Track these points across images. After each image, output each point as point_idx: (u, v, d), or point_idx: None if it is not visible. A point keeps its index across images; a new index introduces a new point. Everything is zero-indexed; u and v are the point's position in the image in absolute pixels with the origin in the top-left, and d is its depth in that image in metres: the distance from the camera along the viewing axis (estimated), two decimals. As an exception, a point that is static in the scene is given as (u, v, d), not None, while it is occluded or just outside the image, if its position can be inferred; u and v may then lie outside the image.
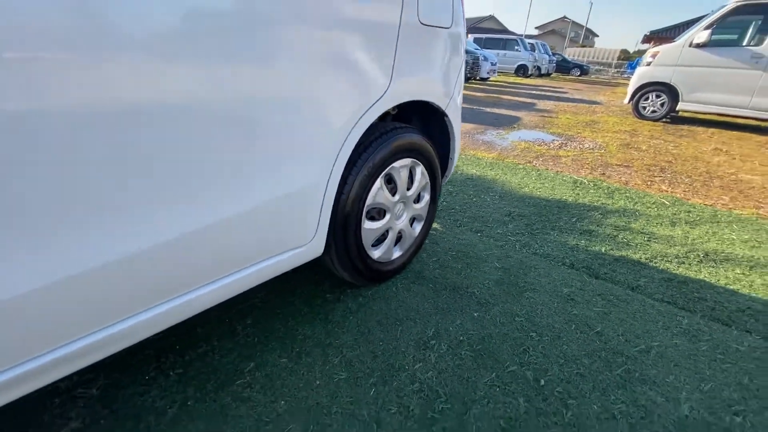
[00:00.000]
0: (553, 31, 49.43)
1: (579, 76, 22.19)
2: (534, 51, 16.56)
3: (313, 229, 1.05)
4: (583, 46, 45.19)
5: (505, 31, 31.94)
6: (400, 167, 1.28)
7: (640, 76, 6.19)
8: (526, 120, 5.49)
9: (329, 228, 1.12)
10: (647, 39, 32.16)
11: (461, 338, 1.18)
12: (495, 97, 8.03)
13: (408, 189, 1.37)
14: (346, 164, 1.07)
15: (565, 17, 51.51)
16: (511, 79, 14.31)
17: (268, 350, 1.09)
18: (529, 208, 2.22)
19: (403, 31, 1.07)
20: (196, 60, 0.68)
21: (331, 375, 1.03)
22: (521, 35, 23.83)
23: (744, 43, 5.51)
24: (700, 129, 5.67)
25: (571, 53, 36.34)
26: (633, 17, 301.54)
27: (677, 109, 5.94)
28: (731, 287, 1.55)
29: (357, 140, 1.06)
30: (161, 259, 0.74)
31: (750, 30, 5.60)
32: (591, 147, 3.98)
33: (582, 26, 51.01)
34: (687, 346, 1.21)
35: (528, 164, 3.16)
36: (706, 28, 5.57)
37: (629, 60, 32.93)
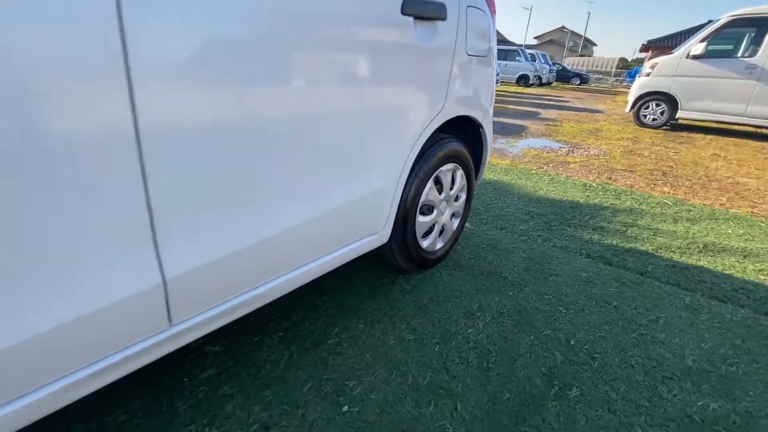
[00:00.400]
0: (551, 41, 50.20)
1: (579, 84, 22.61)
2: (534, 61, 16.97)
3: (384, 220, 1.31)
4: (582, 56, 45.86)
5: (506, 41, 32.56)
6: (446, 171, 1.54)
7: (640, 86, 6.48)
8: (532, 128, 5.77)
9: (394, 220, 1.37)
10: (645, 48, 32.58)
11: (501, 311, 1.43)
12: (500, 107, 8.34)
13: (450, 189, 1.63)
14: (411, 168, 1.33)
15: (563, 27, 52.35)
16: (513, 89, 14.67)
17: (346, 319, 1.34)
18: (546, 208, 2.47)
19: (454, 61, 1.34)
20: (324, 90, 0.94)
21: (402, 337, 1.27)
22: (521, 45, 24.34)
23: (738, 55, 5.81)
24: (699, 136, 5.94)
25: (571, 62, 36.94)
26: (630, 26, 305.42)
27: (677, 117, 6.23)
28: (727, 272, 1.79)
29: (419, 149, 1.32)
30: (294, 236, 0.99)
31: (744, 42, 5.91)
32: (596, 154, 4.24)
33: (580, 36, 51.82)
34: (689, 317, 1.45)
35: (540, 170, 3.42)
36: (702, 40, 5.87)
37: (628, 69, 33.40)
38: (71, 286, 0.65)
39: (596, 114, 8.19)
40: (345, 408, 1.01)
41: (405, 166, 1.28)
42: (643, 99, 6.49)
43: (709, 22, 6.74)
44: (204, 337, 1.22)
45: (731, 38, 5.98)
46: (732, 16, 5.78)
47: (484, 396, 1.07)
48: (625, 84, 24.77)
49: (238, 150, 0.81)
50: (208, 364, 1.13)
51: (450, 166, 1.56)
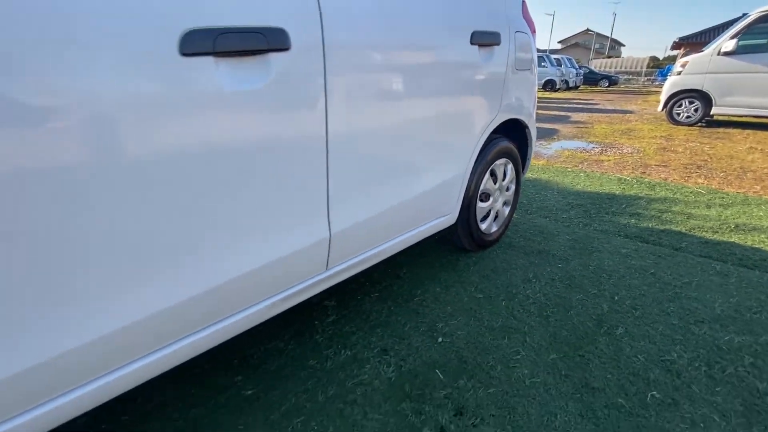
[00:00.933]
0: (576, 44, 49.56)
1: (608, 87, 22.27)
2: (560, 66, 16.99)
3: (454, 204, 1.65)
4: (609, 57, 44.95)
5: (529, 48, 32.45)
6: (499, 165, 1.87)
7: (672, 84, 6.55)
8: (563, 131, 5.97)
9: (461, 204, 1.70)
10: (677, 45, 31.56)
11: (553, 278, 1.72)
12: (529, 113, 8.52)
13: (503, 180, 1.94)
14: (474, 162, 1.67)
15: (588, 30, 51.63)
16: (540, 94, 14.76)
17: (425, 285, 1.67)
18: (584, 200, 2.73)
19: (506, 76, 1.67)
20: (423, 102, 1.30)
21: (473, 296, 1.59)
22: (546, 51, 24.32)
23: (771, 49, 5.81)
24: (736, 131, 5.93)
25: (597, 65, 36.35)
26: (659, 24, 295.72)
27: (711, 113, 6.24)
28: (756, 246, 1.99)
29: (481, 146, 1.65)
30: (403, 209, 1.34)
31: (777, 35, 5.90)
32: (630, 152, 4.42)
33: (606, 37, 50.86)
34: (719, 281, 1.69)
35: (575, 168, 3.66)
36: (733, 37, 5.92)
37: (659, 67, 32.44)
38: (284, 236, 1.01)
39: (627, 114, 8.24)
40: (440, 339, 1.34)
41: (471, 160, 1.62)
42: (676, 97, 6.55)
43: (744, 15, 6.75)
44: (322, 293, 1.58)
45: (763, 33, 5.99)
46: (761, 12, 5.81)
47: (546, 333, 1.36)
48: (657, 83, 24.13)
49: (379, 146, 1.17)
50: (329, 312, 1.49)
51: (502, 161, 1.89)
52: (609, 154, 4.33)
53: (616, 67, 36.40)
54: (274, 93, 0.86)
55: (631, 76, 30.93)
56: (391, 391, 1.13)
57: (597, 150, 4.54)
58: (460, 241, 1.87)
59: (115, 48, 0.64)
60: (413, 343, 1.32)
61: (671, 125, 6.56)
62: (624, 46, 60.28)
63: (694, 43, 27.31)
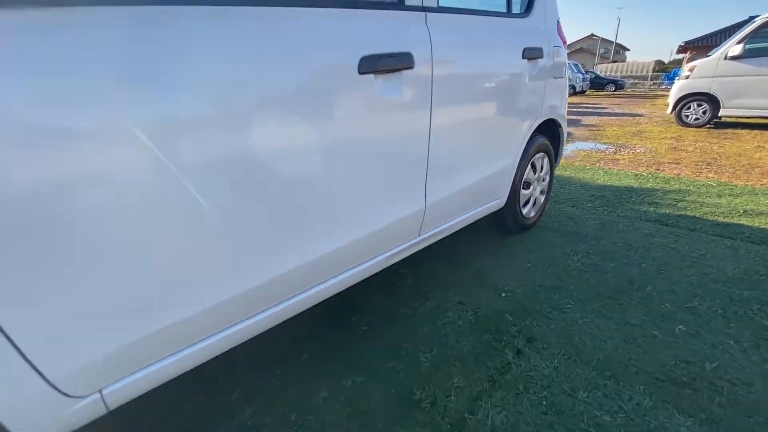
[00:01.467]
0: (581, 49, 49.91)
1: (614, 91, 22.54)
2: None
3: (505, 190, 1.97)
4: (614, 62, 45.22)
5: (535, 54, 32.86)
6: (538, 158, 2.20)
7: (679, 88, 6.85)
8: (577, 134, 6.28)
9: (509, 191, 2.03)
10: (683, 49, 31.64)
11: (588, 251, 2.04)
12: (541, 117, 8.85)
13: (541, 171, 2.27)
14: (521, 155, 2.00)
15: (593, 35, 51.99)
16: (549, 100, 15.05)
17: (481, 257, 2.00)
18: (606, 192, 3.04)
19: (546, 84, 2.01)
20: (489, 105, 1.63)
21: (523, 265, 1.91)
22: (552, 57, 24.54)
23: (776, 53, 6.10)
24: (744, 131, 6.20)
25: (603, 69, 36.65)
26: (663, 28, 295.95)
27: (719, 115, 6.52)
28: (763, 227, 2.29)
29: (526, 142, 1.99)
30: (471, 190, 1.68)
31: (781, 40, 6.19)
32: (642, 151, 4.72)
33: (611, 42, 51.17)
34: (730, 253, 1.99)
35: (593, 165, 3.98)
36: (739, 42, 6.22)
37: (665, 71, 32.58)
38: (401, 203, 1.35)
39: (637, 117, 8.53)
40: (503, 295, 1.66)
41: (518, 153, 1.95)
42: (684, 100, 6.84)
43: (751, 19, 7.03)
44: (398, 263, 1.91)
45: (767, 38, 6.27)
46: (765, 18, 6.11)
47: (589, 290, 1.68)
48: (663, 87, 24.32)
49: (458, 139, 1.51)
50: (407, 277, 1.82)
51: (540, 155, 2.22)
52: (623, 153, 4.64)
53: (621, 72, 36.63)
54: (403, 99, 1.21)
55: (636, 81, 31.15)
56: (474, 328, 1.45)
57: (611, 150, 4.85)
58: (505, 222, 2.20)
59: (328, 66, 0.99)
60: (482, 298, 1.64)
61: (680, 127, 6.85)
62: (629, 50, 60.50)
63: (699, 46, 27.52)
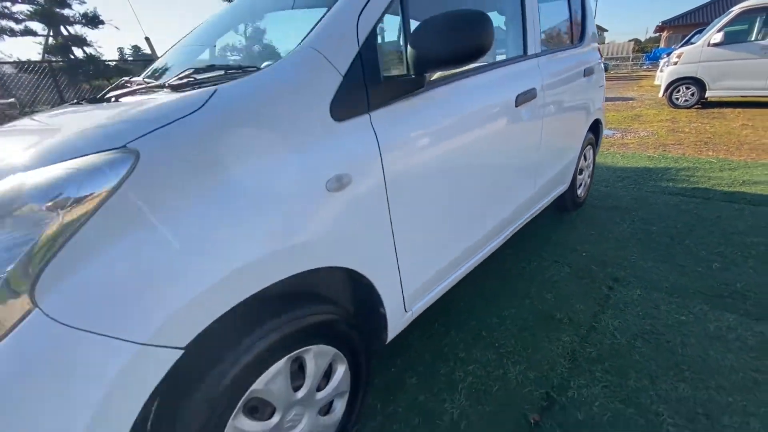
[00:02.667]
0: (561, 33, 50.69)
1: (599, 74, 23.27)
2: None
3: (569, 176, 2.58)
4: (594, 43, 46.05)
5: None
6: (587, 149, 2.81)
7: (670, 73, 7.54)
8: (582, 121, 6.93)
9: (572, 177, 2.63)
10: (660, 29, 32.38)
11: (633, 220, 2.66)
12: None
13: (588, 160, 2.88)
14: (580, 149, 2.60)
15: (571, 18, 52.83)
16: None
17: (552, 232, 2.60)
18: (629, 173, 3.68)
19: (595, 93, 2.61)
20: (569, 114, 2.23)
21: (587, 233, 2.52)
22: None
23: (753, 39, 6.81)
24: (728, 110, 6.93)
25: (584, 52, 37.42)
26: (638, 6, 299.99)
27: (706, 96, 7.24)
28: (759, 192, 2.95)
29: (584, 138, 2.59)
30: (552, 179, 2.28)
31: (756, 27, 6.90)
32: (646, 135, 5.38)
33: (590, 24, 52.08)
34: (738, 214, 2.63)
35: (609, 150, 4.62)
36: (719, 30, 6.91)
37: (645, 51, 33.48)
38: (525, 187, 1.94)
39: (630, 101, 9.23)
40: (583, 254, 2.27)
41: (579, 147, 2.56)
42: (674, 84, 7.54)
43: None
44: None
45: (744, 26, 6.98)
46: (742, 7, 6.82)
47: (643, 246, 2.30)
48: (645, 67, 25.16)
49: (554, 139, 2.10)
50: (507, 250, 2.41)
51: (588, 147, 2.83)
52: (629, 137, 5.29)
53: (603, 54, 37.49)
54: (531, 119, 1.79)
55: (617, 62, 32.06)
56: (572, 276, 2.06)
57: (618, 135, 5.50)
58: (565, 202, 2.81)
59: (505, 101, 1.58)
60: (569, 257, 2.25)
61: (672, 109, 7.55)
62: (607, 31, 61.66)
63: (676, 25, 28.48)
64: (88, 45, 9.20)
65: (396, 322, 1.26)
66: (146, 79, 1.34)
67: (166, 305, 0.66)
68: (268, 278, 0.81)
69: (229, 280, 0.73)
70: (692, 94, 7.40)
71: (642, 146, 4.73)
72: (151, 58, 7.58)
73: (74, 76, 8.16)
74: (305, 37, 0.95)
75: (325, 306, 1.00)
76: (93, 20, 8.81)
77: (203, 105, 0.75)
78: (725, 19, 6.94)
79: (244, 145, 0.78)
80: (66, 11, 8.52)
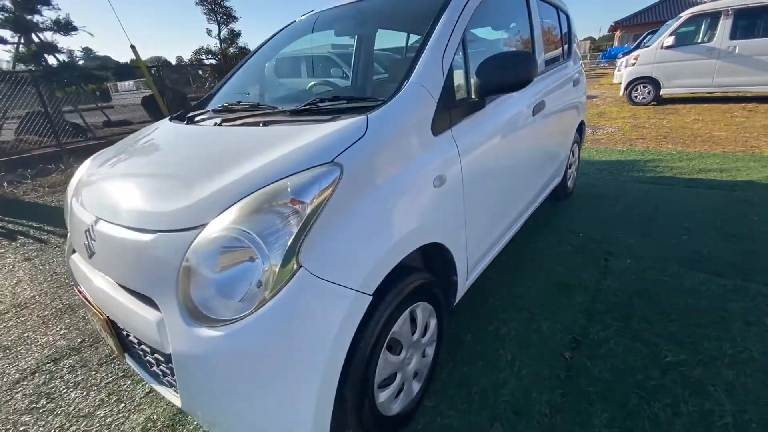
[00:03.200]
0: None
1: (561, 72, 24.57)
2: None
3: (563, 169, 3.03)
4: (554, 42, 48.26)
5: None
6: (575, 146, 3.27)
7: (629, 74, 8.32)
8: (555, 119, 7.55)
9: (564, 171, 3.08)
10: (613, 28, 34.22)
11: (616, 204, 3.15)
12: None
13: (574, 155, 3.35)
14: (570, 146, 3.05)
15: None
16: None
17: (553, 217, 3.04)
18: (606, 166, 4.21)
19: (582, 98, 3.07)
20: (563, 114, 2.66)
21: (584, 216, 2.98)
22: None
23: (699, 41, 7.66)
24: (681, 106, 7.75)
25: (546, 51, 39.27)
26: (591, 5, 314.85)
27: (661, 93, 8.05)
28: (712, 178, 3.53)
29: (573, 137, 3.05)
30: (554, 170, 2.71)
31: (702, 30, 7.76)
32: (613, 131, 6.01)
33: (549, 24, 54.43)
34: (698, 196, 3.18)
35: (584, 146, 5.17)
36: (671, 34, 7.72)
37: (600, 50, 35.38)
38: (543, 178, 2.35)
39: (593, 99, 10.01)
40: (580, 234, 2.72)
41: (569, 144, 3.01)
42: (633, 83, 8.33)
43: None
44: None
45: (692, 30, 7.83)
46: (690, 13, 7.65)
47: (628, 225, 2.77)
48: (602, 65, 26.73)
49: (552, 136, 2.53)
50: (516, 234, 2.83)
51: (575, 145, 3.29)
52: (599, 134, 5.89)
53: (562, 52, 39.28)
54: (541, 122, 2.20)
55: (577, 60, 33.79)
56: (575, 252, 2.49)
57: (589, 132, 6.10)
58: (558, 192, 3.25)
59: (522, 114, 1.98)
60: (570, 238, 2.69)
61: (631, 106, 8.32)
62: (565, 30, 64.65)
63: (628, 25, 30.38)
64: (60, 52, 8.94)
65: (461, 289, 1.62)
66: (262, 105, 1.63)
67: (366, 264, 0.99)
68: (407, 249, 1.14)
69: (393, 248, 1.06)
70: (649, 92, 8.20)
71: (611, 141, 5.32)
72: (137, 65, 7.53)
73: (49, 84, 7.97)
74: (409, 75, 1.29)
75: (424, 273, 1.34)
76: (66, 27, 8.57)
77: (367, 130, 1.08)
78: (675, 24, 7.75)
79: (390, 156, 1.12)
80: (36, 18, 8.26)
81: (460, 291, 1.63)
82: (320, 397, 0.94)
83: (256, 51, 2.18)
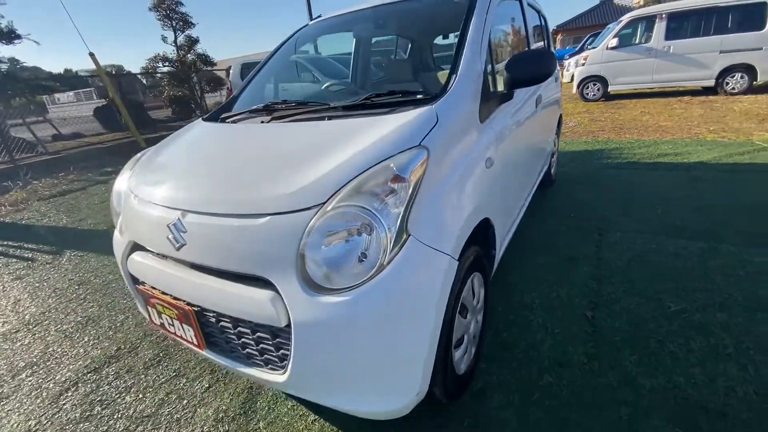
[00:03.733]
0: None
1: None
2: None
3: (549, 159, 3.32)
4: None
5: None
6: (555, 138, 3.59)
7: (580, 73, 9.04)
8: (519, 116, 8.05)
9: (550, 158, 3.38)
10: (555, 32, 36.40)
11: (593, 189, 3.49)
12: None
13: (555, 146, 3.67)
14: (553, 138, 3.35)
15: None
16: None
17: (545, 202, 3.33)
18: (576, 156, 4.61)
19: (558, 91, 3.38)
20: (548, 111, 2.94)
21: (568, 199, 3.29)
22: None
23: (638, 42, 8.50)
24: (627, 101, 8.53)
25: (495, 54, 41.24)
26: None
27: (609, 90, 8.83)
28: (669, 161, 4.00)
29: (555, 130, 3.35)
30: (547, 159, 2.98)
31: (639, 32, 8.61)
32: (574, 125, 6.53)
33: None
34: (659, 177, 3.60)
35: (553, 139, 5.60)
36: (614, 36, 8.50)
37: (545, 52, 37.49)
38: (540, 165, 2.59)
39: (549, 97, 10.73)
40: (571, 215, 3.01)
41: (553, 137, 3.31)
42: (584, 82, 9.06)
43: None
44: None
45: (632, 32, 8.66)
46: (631, 17, 8.47)
47: (609, 203, 3.10)
48: (548, 66, 28.47)
49: (540, 131, 2.79)
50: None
51: (555, 137, 3.62)
52: (563, 128, 6.37)
53: (510, 55, 41.36)
54: (541, 112, 2.45)
55: (525, 62, 35.74)
56: (571, 231, 2.76)
57: (554, 126, 6.59)
58: (544, 179, 3.55)
59: (532, 105, 2.20)
60: (563, 218, 2.97)
61: (584, 102, 9.03)
62: (510, 34, 68.23)
63: (568, 29, 32.59)
64: (1, 62, 8.29)
65: (495, 263, 1.80)
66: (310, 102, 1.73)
67: (453, 233, 1.13)
68: (474, 222, 1.30)
69: (467, 219, 1.22)
70: (598, 89, 8.95)
71: (576, 134, 5.80)
72: (95, 74, 7.09)
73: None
74: (456, 69, 1.45)
75: (476, 246, 1.50)
76: (8, 35, 7.96)
77: (438, 119, 1.23)
78: (617, 27, 8.54)
79: (457, 140, 1.27)
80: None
81: (495, 264, 1.81)
82: (428, 355, 1.07)
83: (271, 56, 2.26)
